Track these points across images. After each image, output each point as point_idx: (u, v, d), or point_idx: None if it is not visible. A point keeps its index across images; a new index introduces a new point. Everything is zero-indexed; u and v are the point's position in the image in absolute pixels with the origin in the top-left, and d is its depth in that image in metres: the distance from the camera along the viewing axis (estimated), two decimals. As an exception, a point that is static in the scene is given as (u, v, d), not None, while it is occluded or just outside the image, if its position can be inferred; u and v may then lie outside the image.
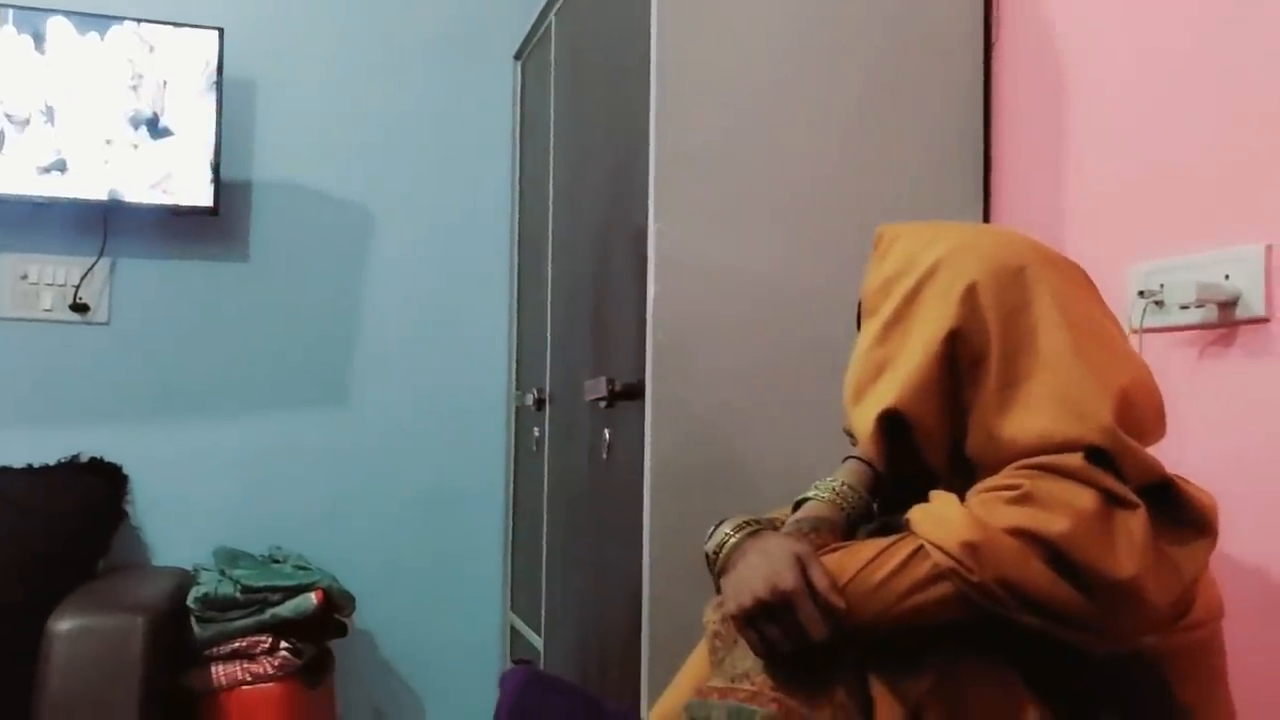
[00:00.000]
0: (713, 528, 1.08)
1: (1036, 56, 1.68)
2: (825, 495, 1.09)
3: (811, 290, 1.63)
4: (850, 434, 1.13)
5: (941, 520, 0.94)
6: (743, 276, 1.63)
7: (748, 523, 1.06)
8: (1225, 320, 1.32)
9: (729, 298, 1.62)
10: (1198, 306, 1.33)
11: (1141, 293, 1.40)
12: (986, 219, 1.75)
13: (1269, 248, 1.27)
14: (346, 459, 2.57)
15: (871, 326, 1.09)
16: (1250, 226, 1.30)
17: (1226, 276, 1.31)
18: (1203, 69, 1.38)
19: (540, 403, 2.30)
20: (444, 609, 2.62)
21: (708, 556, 1.08)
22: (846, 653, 0.96)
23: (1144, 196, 1.47)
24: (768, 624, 0.96)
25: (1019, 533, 0.90)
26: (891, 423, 1.04)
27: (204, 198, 2.35)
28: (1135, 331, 1.41)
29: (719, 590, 1.07)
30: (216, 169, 2.35)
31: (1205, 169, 1.37)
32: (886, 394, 1.03)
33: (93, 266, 2.40)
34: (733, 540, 1.03)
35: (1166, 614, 0.92)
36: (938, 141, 1.73)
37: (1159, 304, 1.39)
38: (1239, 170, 1.32)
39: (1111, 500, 0.91)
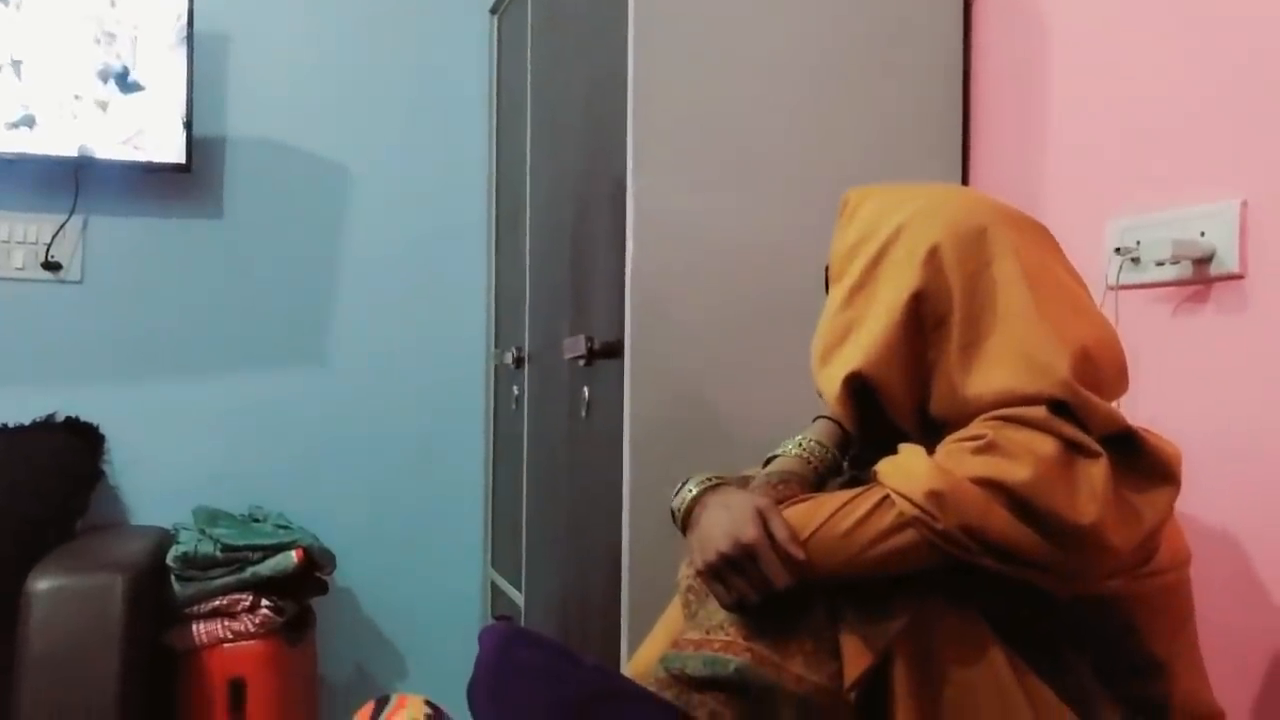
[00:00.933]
0: (679, 486, 1.10)
1: (1016, 14, 1.67)
2: (793, 451, 1.11)
3: (790, 247, 1.63)
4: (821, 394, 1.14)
5: (907, 470, 0.97)
6: (722, 233, 1.62)
7: (709, 478, 1.08)
8: (1200, 277, 1.33)
9: (708, 255, 1.61)
10: (1173, 263, 1.34)
11: (1118, 249, 1.41)
12: (965, 178, 1.75)
13: (1244, 203, 1.27)
14: (326, 418, 2.57)
15: (838, 291, 1.11)
16: (1227, 183, 1.30)
17: (1202, 233, 1.31)
18: (1180, 27, 1.37)
19: (519, 361, 2.30)
20: (425, 566, 2.63)
21: (674, 514, 1.10)
22: (817, 602, 0.98)
23: (1122, 154, 1.47)
24: (733, 576, 0.98)
25: (983, 481, 0.92)
26: (858, 385, 1.06)
27: (176, 154, 2.32)
28: (1111, 288, 1.42)
29: None
30: (189, 125, 2.32)
31: (1183, 126, 1.37)
32: (852, 357, 1.05)
33: (64, 225, 2.37)
34: (693, 494, 1.05)
35: (1129, 559, 0.95)
36: (917, 100, 1.72)
37: (1135, 261, 1.40)
38: (1216, 127, 1.32)
39: (1073, 449, 0.94)
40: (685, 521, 1.07)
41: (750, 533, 0.97)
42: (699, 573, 1.00)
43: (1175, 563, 1.01)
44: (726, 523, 0.99)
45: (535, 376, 2.22)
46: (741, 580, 0.97)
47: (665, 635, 1.15)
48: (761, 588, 0.97)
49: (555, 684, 0.88)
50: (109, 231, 2.42)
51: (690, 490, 1.07)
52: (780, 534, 0.97)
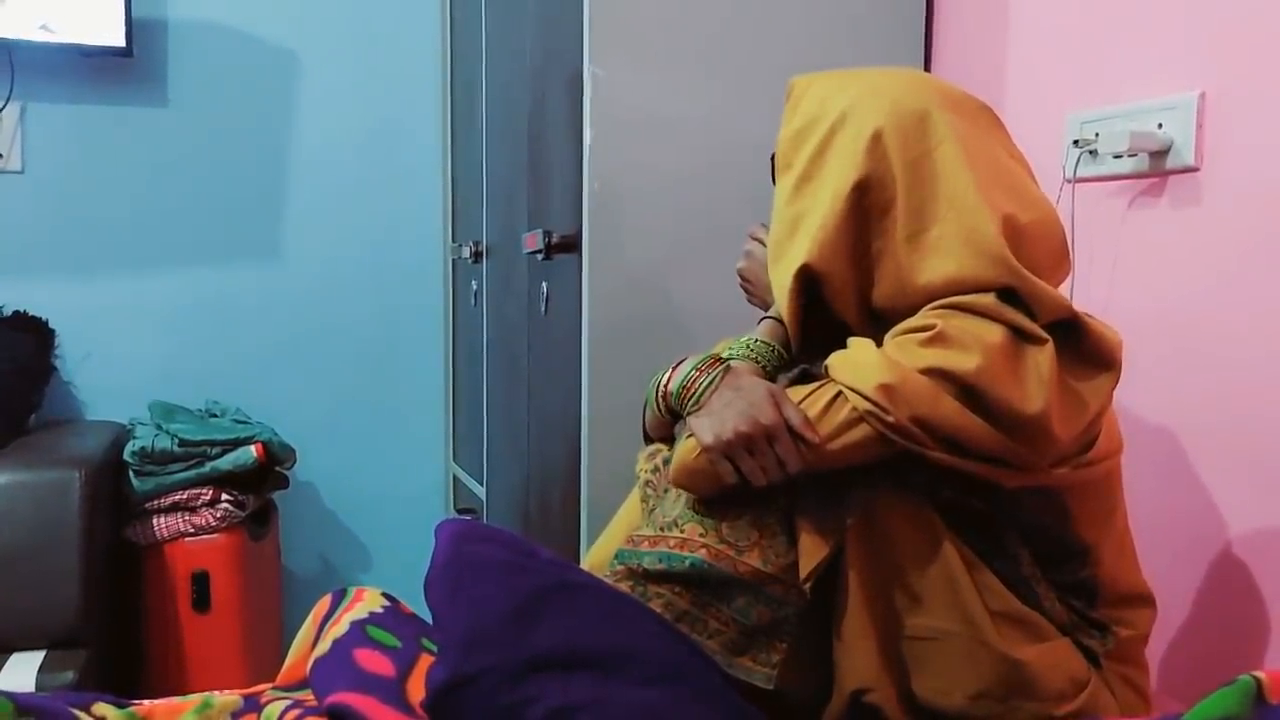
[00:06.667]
0: (669, 367, 1.07)
1: (984, -107, 1.62)
2: (739, 352, 1.09)
3: (750, 137, 1.60)
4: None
5: (858, 365, 0.97)
6: (681, 123, 1.59)
7: (718, 360, 1.05)
8: (1156, 170, 1.32)
9: (666, 145, 1.59)
10: (1130, 156, 1.34)
11: (1076, 142, 1.40)
12: (928, 69, 1.73)
13: (1202, 95, 1.26)
14: (281, 312, 2.53)
15: (786, 182, 1.09)
16: (1185, 74, 1.29)
17: (1160, 125, 1.31)
18: (1150, -92, 1.34)
19: (477, 255, 2.27)
20: (387, 461, 2.64)
21: (661, 394, 1.06)
22: (774, 497, 0.99)
23: (1082, 46, 1.45)
24: (746, 457, 0.97)
25: (932, 372, 0.93)
26: (808, 280, 1.04)
27: (115, 37, 2.22)
28: (1069, 181, 1.41)
29: (670, 424, 1.08)
30: (128, 5, 2.22)
31: (1142, 17, 1.35)
32: (801, 250, 1.04)
33: (0, 111, 2.28)
34: (707, 378, 1.02)
35: (1072, 447, 0.97)
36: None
37: (1093, 153, 1.39)
38: (1175, 18, 1.30)
39: (1020, 336, 0.95)
40: (683, 399, 1.03)
41: (770, 414, 0.96)
42: (706, 448, 0.98)
43: (1110, 451, 1.03)
44: (742, 403, 0.97)
45: (494, 271, 2.19)
46: (753, 462, 0.97)
47: (622, 529, 1.16)
48: (774, 471, 0.97)
49: (509, 577, 0.88)
50: (49, 119, 2.34)
51: (692, 373, 1.03)
52: (795, 419, 0.96)
